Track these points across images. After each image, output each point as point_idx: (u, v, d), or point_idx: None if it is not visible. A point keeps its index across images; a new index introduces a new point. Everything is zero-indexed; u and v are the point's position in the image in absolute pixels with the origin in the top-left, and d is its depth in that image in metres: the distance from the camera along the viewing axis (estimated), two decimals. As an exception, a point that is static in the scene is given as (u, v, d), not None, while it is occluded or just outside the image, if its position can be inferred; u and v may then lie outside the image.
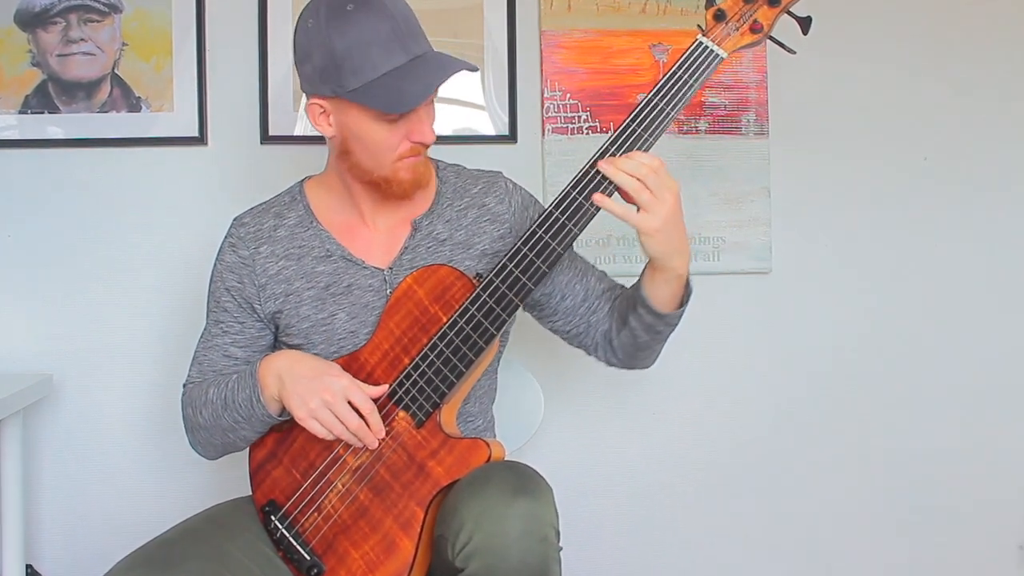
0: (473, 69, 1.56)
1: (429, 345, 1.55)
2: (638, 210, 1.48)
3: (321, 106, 1.57)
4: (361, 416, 1.52)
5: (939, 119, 2.38)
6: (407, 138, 1.57)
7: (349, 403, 1.51)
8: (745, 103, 2.32)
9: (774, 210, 2.34)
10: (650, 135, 1.52)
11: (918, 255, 2.39)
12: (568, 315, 1.71)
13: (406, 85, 1.50)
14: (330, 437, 1.52)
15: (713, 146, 2.31)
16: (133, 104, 2.21)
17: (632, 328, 1.63)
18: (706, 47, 1.54)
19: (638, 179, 1.47)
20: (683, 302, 1.61)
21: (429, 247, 1.67)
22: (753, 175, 2.33)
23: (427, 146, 1.60)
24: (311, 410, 1.50)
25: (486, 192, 1.72)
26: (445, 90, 2.26)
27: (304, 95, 1.61)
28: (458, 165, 1.76)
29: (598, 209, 1.51)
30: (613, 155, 1.51)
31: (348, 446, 1.57)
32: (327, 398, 1.50)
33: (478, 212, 1.70)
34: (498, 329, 1.54)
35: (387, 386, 1.55)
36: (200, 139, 2.23)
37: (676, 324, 1.64)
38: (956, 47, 2.38)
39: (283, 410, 1.56)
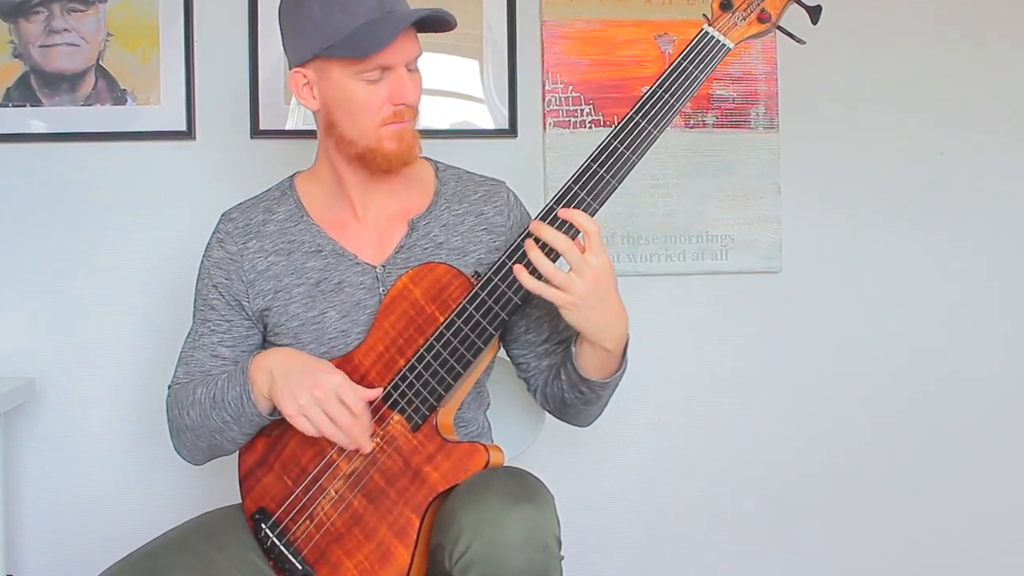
0: (449, 17, 1.55)
1: (425, 346, 1.53)
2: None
3: (304, 75, 1.58)
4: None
5: (956, 113, 2.38)
6: (389, 100, 1.55)
7: (341, 402, 1.48)
8: (754, 96, 2.31)
9: (784, 207, 2.33)
10: (654, 128, 1.52)
11: (933, 253, 2.39)
12: (525, 348, 1.70)
13: (379, 29, 1.51)
14: (319, 435, 1.49)
15: (721, 140, 2.31)
16: (118, 97, 2.20)
17: (561, 381, 1.62)
18: (712, 37, 1.54)
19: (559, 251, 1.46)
20: (615, 373, 1.58)
21: (425, 248, 1.65)
22: (762, 170, 2.31)
23: (411, 108, 1.58)
24: (301, 407, 1.47)
25: (486, 200, 1.70)
26: (442, 83, 2.24)
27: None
28: (459, 168, 1.75)
29: (600, 204, 1.50)
30: (616, 148, 1.51)
31: (341, 450, 1.54)
32: (318, 395, 1.47)
33: (475, 220, 1.69)
34: (496, 329, 1.52)
35: (382, 389, 1.54)
36: (188, 133, 2.21)
37: (603, 395, 1.62)
38: (973, 38, 2.38)
39: (274, 409, 1.53)
